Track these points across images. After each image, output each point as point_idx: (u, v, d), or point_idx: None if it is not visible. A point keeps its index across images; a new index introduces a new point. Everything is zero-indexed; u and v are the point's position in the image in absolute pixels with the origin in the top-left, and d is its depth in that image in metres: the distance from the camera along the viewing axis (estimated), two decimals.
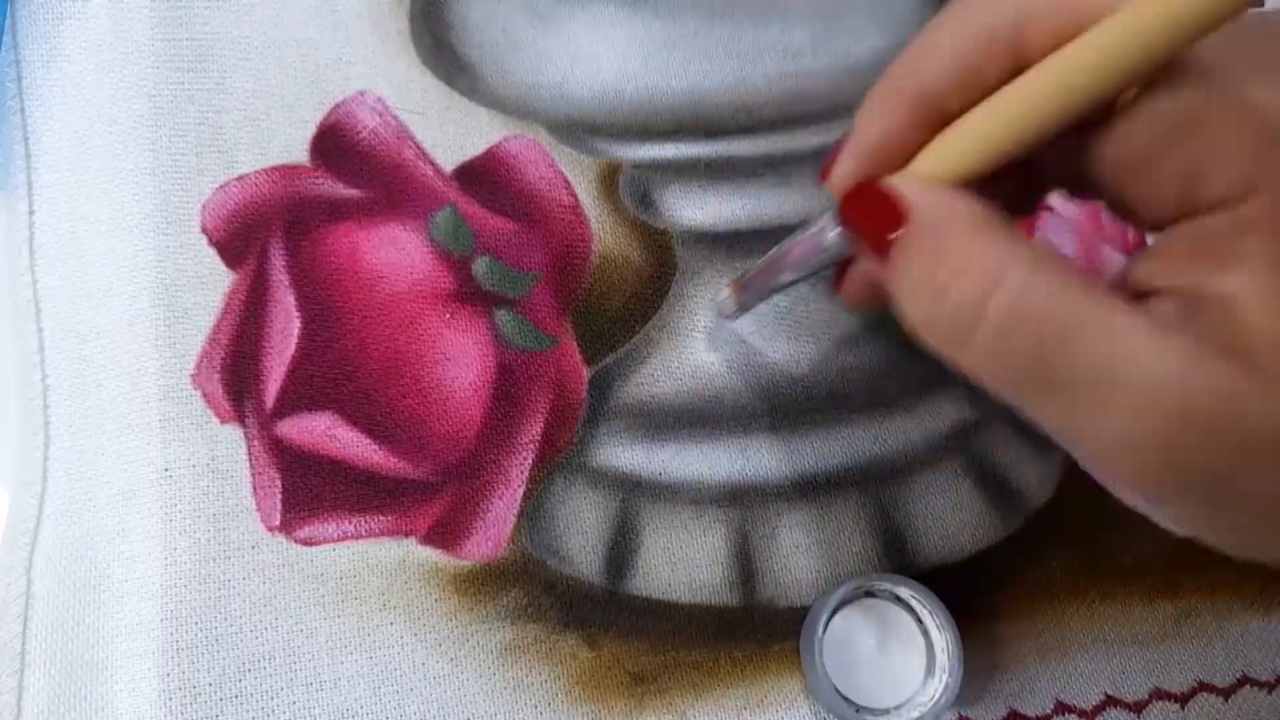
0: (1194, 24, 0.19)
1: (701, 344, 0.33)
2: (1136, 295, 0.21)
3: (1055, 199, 0.36)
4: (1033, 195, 0.26)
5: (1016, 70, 0.21)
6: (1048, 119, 0.21)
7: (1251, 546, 0.21)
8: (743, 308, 0.31)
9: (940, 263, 0.21)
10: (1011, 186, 0.24)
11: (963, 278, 0.20)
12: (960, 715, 0.31)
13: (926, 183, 0.22)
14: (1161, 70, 0.20)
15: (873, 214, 0.22)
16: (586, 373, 0.33)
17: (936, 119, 0.22)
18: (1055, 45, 0.20)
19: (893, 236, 0.22)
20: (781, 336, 0.34)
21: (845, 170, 0.24)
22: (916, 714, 0.29)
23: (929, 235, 0.21)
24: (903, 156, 0.23)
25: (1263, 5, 0.19)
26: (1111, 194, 0.22)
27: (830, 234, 0.25)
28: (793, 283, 0.28)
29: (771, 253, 0.28)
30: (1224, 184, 0.19)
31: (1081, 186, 0.23)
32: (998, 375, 0.21)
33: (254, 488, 0.30)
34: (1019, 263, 0.20)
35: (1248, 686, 0.32)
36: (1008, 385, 0.21)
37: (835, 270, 0.29)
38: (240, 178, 0.32)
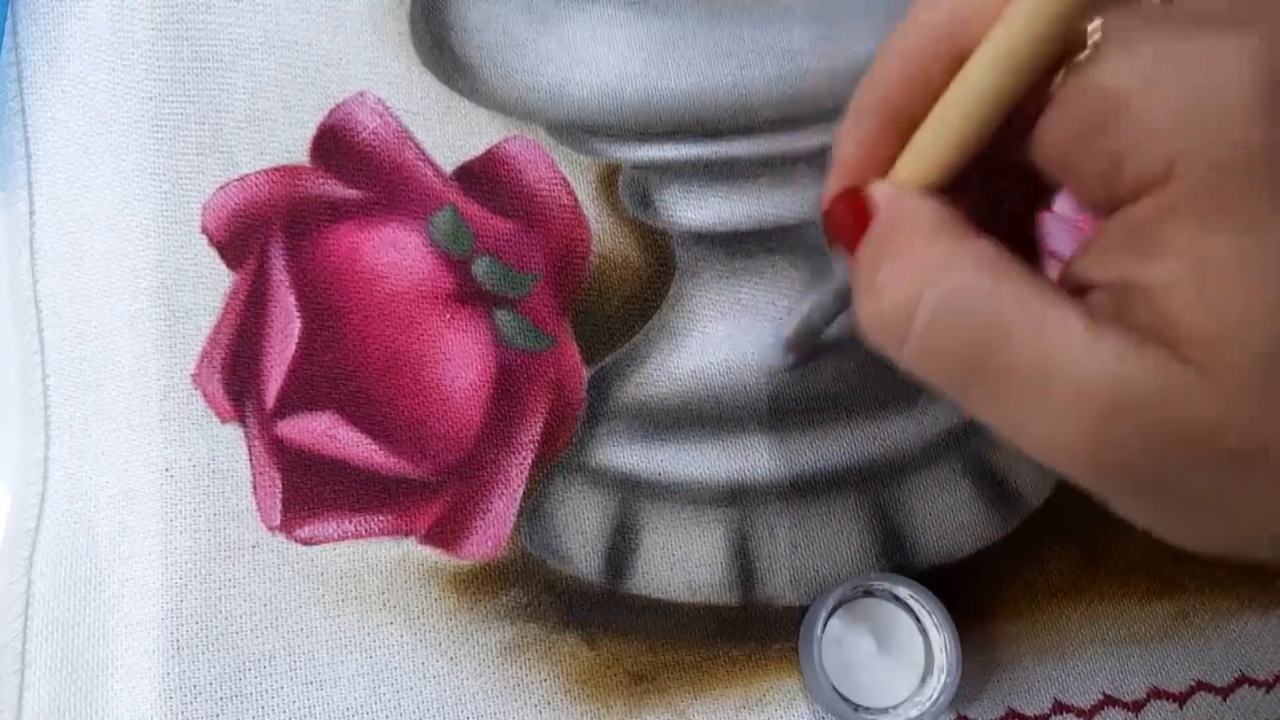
0: None
1: (699, 344, 0.33)
2: (1075, 291, 0.21)
3: (1058, 201, 0.36)
4: (1040, 197, 0.26)
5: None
6: (982, 108, 0.21)
7: (1199, 538, 0.21)
8: (797, 353, 0.32)
9: (886, 259, 0.21)
10: (1015, 189, 0.25)
11: (902, 275, 0.21)
12: (959, 714, 0.31)
13: (894, 186, 0.22)
14: (1086, 52, 0.20)
15: (845, 220, 0.23)
16: (586, 373, 0.33)
17: (905, 126, 0.23)
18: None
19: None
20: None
21: (829, 186, 0.24)
22: (915, 713, 0.29)
23: (882, 235, 0.22)
24: (882, 166, 0.23)
25: None
26: (1062, 185, 0.22)
27: (839, 265, 0.26)
28: (833, 318, 0.29)
29: (802, 299, 0.30)
30: (1143, 170, 0.19)
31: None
32: (933, 372, 0.21)
33: (254, 487, 0.30)
34: (959, 263, 0.21)
35: (1246, 686, 0.32)
36: (943, 382, 0.21)
37: None
38: (241, 178, 0.32)
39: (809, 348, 0.32)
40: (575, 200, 0.34)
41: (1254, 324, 0.18)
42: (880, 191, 0.22)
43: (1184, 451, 0.19)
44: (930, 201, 0.22)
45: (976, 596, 0.32)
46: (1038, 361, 0.19)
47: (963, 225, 0.21)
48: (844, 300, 0.27)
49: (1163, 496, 0.20)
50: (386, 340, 0.32)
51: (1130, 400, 0.19)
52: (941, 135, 0.22)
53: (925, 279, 0.21)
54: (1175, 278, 0.19)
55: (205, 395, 0.30)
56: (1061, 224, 0.36)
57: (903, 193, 0.22)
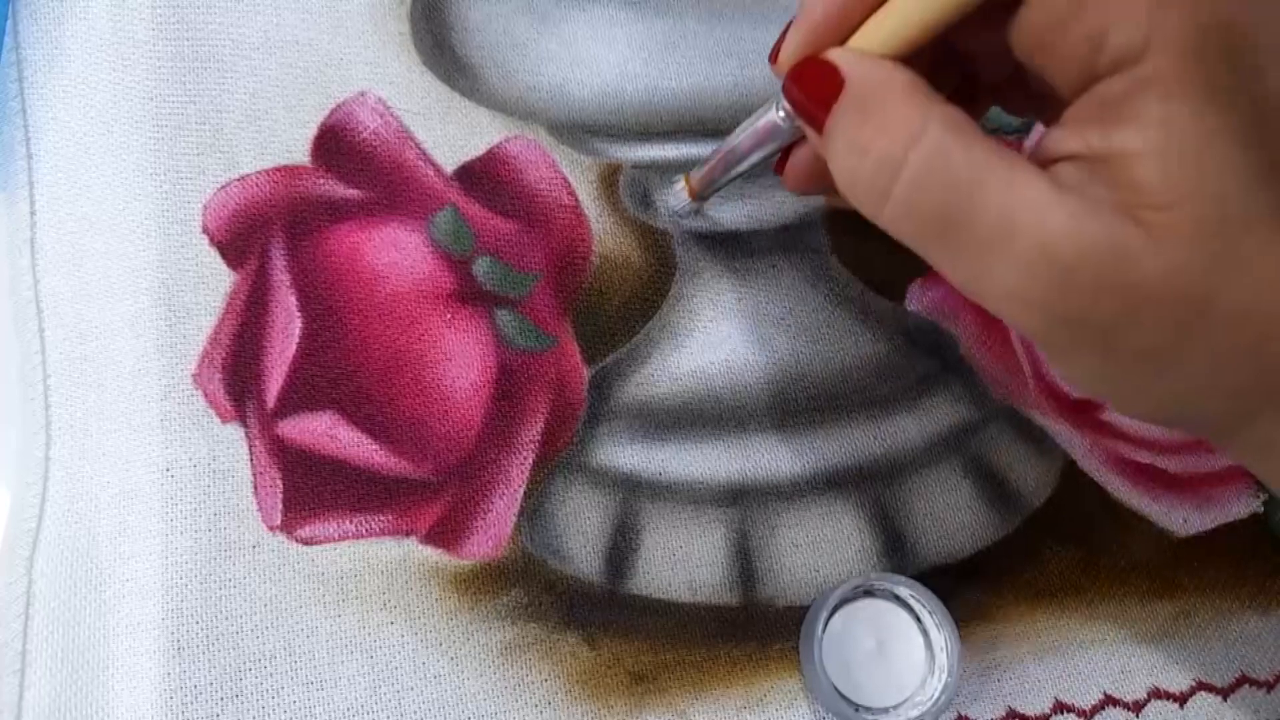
0: None
1: (699, 344, 0.34)
2: (1044, 163, 0.22)
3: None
4: (974, 109, 0.27)
5: None
6: None
7: (1143, 398, 0.22)
8: (700, 199, 0.33)
9: (867, 121, 0.23)
10: (949, 90, 0.26)
11: (885, 134, 0.22)
12: (959, 714, 0.31)
13: (861, 54, 0.24)
14: None
15: (813, 86, 0.24)
16: (587, 373, 0.33)
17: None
18: None
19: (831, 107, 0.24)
20: (781, 336, 0.34)
21: (791, 48, 0.25)
22: (916, 713, 0.29)
23: (859, 98, 0.23)
24: (844, 34, 0.24)
25: None
26: (1031, 69, 0.24)
27: (775, 115, 0.27)
28: (745, 171, 0.30)
29: (723, 143, 0.30)
30: (1121, 46, 0.20)
31: (1006, 67, 0.25)
32: (911, 228, 0.23)
33: (255, 487, 0.30)
34: (937, 122, 0.22)
35: (1246, 686, 0.32)
36: (920, 238, 0.23)
37: (780, 154, 0.30)
38: (242, 178, 0.32)
39: (711, 191, 0.32)
40: (576, 200, 0.34)
41: (1209, 187, 0.20)
42: (846, 58, 0.24)
43: (1135, 302, 0.20)
44: (899, 67, 0.23)
45: (977, 596, 0.32)
46: (1005, 216, 0.21)
47: (931, 89, 0.23)
48: (774, 152, 0.28)
49: (1112, 350, 0.21)
50: (387, 340, 0.32)
51: (1089, 255, 0.20)
52: (908, 13, 0.23)
53: (907, 139, 0.22)
54: (1142, 144, 0.20)
55: (206, 395, 0.30)
56: None
57: (873, 59, 0.23)
